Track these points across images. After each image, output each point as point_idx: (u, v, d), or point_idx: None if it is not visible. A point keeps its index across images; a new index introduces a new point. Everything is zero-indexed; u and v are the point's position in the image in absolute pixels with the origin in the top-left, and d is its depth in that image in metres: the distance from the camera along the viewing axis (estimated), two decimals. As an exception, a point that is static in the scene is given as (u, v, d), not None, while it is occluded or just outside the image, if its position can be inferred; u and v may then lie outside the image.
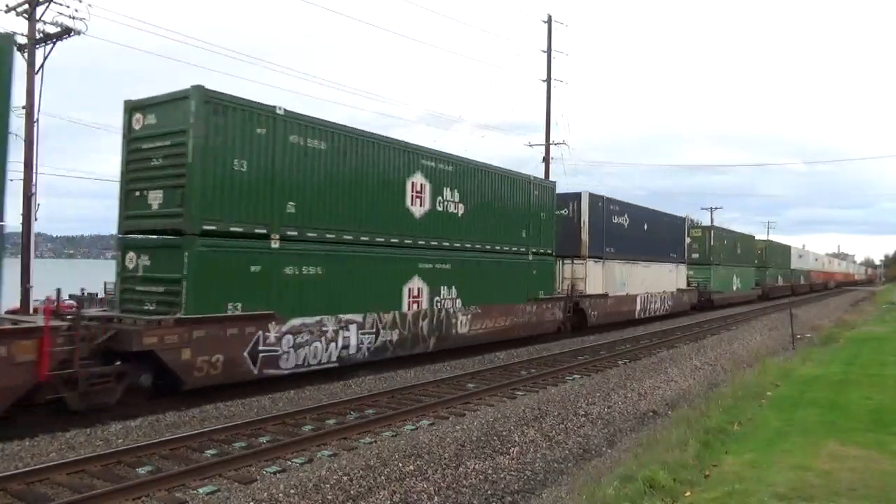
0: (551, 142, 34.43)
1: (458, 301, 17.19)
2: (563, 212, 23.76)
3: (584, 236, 24.40)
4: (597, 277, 24.96)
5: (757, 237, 62.76)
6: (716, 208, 72.82)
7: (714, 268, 40.42)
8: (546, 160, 34.20)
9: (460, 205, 17.17)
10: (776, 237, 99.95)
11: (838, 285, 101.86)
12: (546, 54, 34.34)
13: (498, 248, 18.79)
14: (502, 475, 8.24)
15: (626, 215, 27.71)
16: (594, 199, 25.19)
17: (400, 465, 8.05)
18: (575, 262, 24.20)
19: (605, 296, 25.54)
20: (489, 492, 7.73)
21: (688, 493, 6.21)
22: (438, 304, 16.47)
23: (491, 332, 18.60)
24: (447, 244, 16.82)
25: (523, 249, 19.89)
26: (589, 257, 24.51)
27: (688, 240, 37.23)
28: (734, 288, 44.46)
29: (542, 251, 20.83)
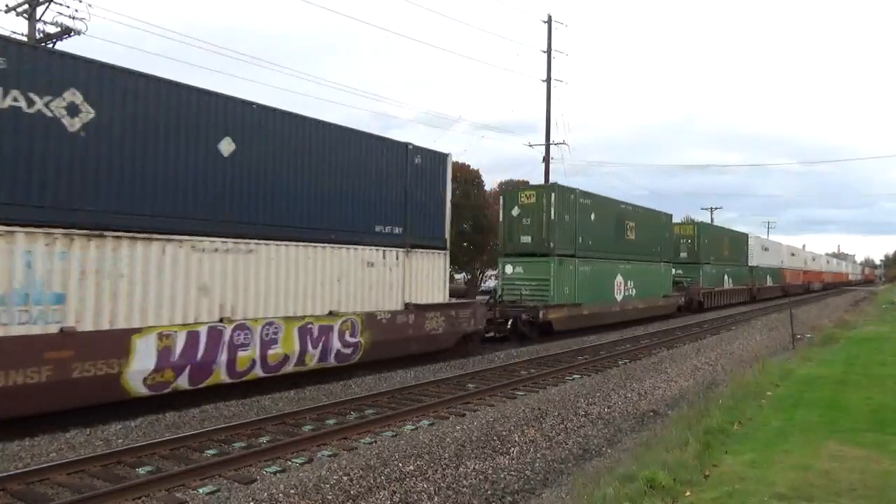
0: (551, 142, 34.46)
1: None
2: None
3: None
4: None
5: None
6: (716, 208, 72.76)
7: (555, 261, 22.24)
8: (546, 160, 34.24)
9: None
10: (776, 237, 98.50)
11: (826, 287, 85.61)
12: (546, 54, 34.38)
13: None
14: (502, 475, 8.24)
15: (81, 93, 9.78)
16: None
17: (400, 465, 8.05)
18: None
19: None
20: (489, 492, 7.73)
21: (688, 493, 6.21)
22: None
23: None
24: None
25: None
26: None
27: (515, 211, 23.24)
28: (618, 296, 26.29)
29: None
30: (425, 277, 16.50)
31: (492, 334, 20.26)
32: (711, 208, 72.92)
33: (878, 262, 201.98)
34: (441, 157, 17.31)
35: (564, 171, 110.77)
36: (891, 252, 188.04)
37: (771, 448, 7.71)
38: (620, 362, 17.15)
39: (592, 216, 24.90)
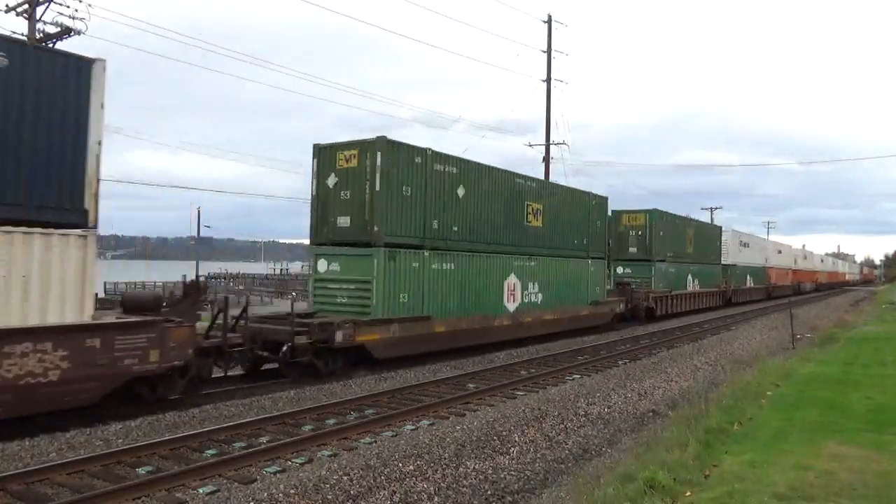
0: (551, 142, 34.46)
1: None
2: None
3: None
4: None
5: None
6: (716, 208, 72.65)
7: (381, 255, 14.89)
8: (546, 160, 34.25)
9: None
10: (776, 237, 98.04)
11: (819, 288, 78.12)
12: (546, 54, 34.38)
13: None
14: (502, 475, 8.24)
15: None
16: None
17: (400, 465, 8.05)
18: None
19: None
20: (489, 492, 7.73)
21: (688, 493, 6.21)
22: None
23: None
24: None
25: None
26: None
27: (331, 180, 15.74)
28: (510, 305, 19.18)
29: None
30: (20, 279, 8.94)
31: (241, 372, 13.10)
32: (711, 208, 72.74)
33: (877, 262, 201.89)
34: (70, 64, 9.59)
35: (564, 171, 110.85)
36: (891, 252, 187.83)
37: (771, 448, 7.71)
38: (620, 362, 17.16)
39: (461, 191, 17.32)
